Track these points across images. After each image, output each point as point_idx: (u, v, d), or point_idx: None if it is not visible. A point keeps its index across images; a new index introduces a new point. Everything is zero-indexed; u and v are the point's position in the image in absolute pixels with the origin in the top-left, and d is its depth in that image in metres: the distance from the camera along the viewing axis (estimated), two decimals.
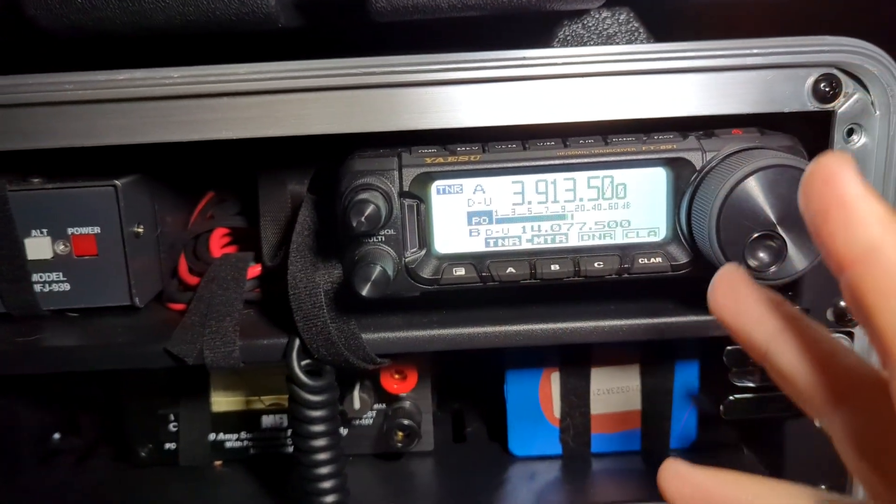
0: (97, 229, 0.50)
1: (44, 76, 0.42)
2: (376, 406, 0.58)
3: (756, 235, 0.40)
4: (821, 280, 0.46)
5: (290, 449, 0.57)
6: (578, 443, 0.57)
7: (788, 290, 0.48)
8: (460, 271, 0.44)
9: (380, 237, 0.43)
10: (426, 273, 0.44)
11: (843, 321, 0.47)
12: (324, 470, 0.47)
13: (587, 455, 0.58)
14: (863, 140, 0.45)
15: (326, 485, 0.48)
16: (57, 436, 0.61)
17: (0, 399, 0.58)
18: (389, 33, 0.47)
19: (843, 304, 0.47)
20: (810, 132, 0.45)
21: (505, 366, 0.57)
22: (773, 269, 0.41)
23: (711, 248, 0.41)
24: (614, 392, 0.57)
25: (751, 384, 0.49)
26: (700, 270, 0.45)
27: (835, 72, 0.43)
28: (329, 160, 0.46)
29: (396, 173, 0.43)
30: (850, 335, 0.48)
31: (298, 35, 0.47)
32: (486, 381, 0.60)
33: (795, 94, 0.44)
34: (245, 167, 0.55)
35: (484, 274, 0.44)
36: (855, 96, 0.44)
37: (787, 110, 0.44)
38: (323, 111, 0.43)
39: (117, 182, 0.49)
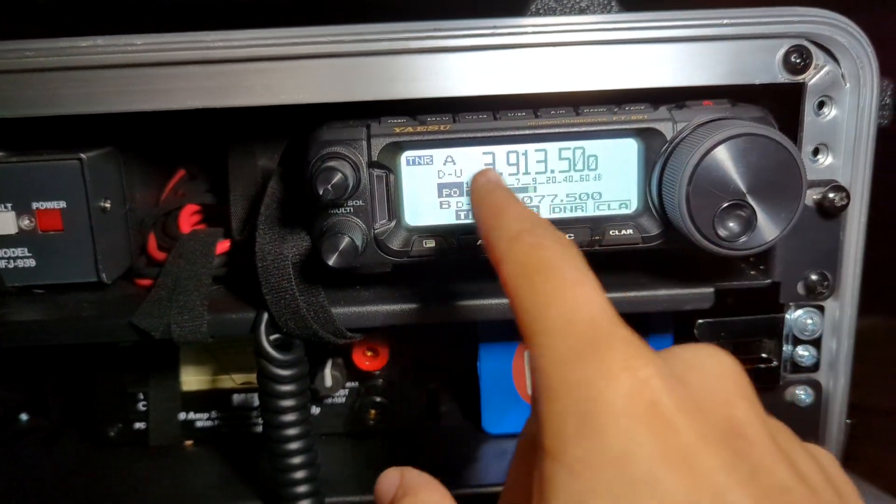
0: (63, 204, 0.49)
1: (2, 43, 0.41)
2: (348, 384, 0.57)
3: (726, 205, 0.40)
4: (791, 253, 0.46)
5: (262, 428, 0.57)
6: None
7: (759, 263, 0.48)
8: (431, 243, 0.44)
9: (348, 208, 0.43)
10: (396, 245, 0.44)
11: (813, 294, 0.47)
12: (294, 446, 0.47)
13: None
14: (833, 112, 0.45)
15: (296, 460, 0.47)
16: (24, 416, 0.60)
17: None
18: (361, 3, 0.47)
19: (813, 277, 0.47)
20: (782, 107, 0.45)
21: (478, 341, 0.56)
22: (743, 238, 0.41)
23: (682, 219, 0.41)
24: None
25: None
26: (671, 242, 0.45)
27: (805, 43, 0.43)
28: (300, 135, 0.46)
29: (365, 143, 0.42)
30: (821, 308, 0.48)
31: (269, 4, 0.46)
32: (460, 360, 0.60)
33: (766, 66, 0.43)
34: (216, 143, 0.54)
35: (455, 246, 0.44)
36: (825, 68, 0.44)
37: (757, 82, 0.44)
38: (292, 81, 0.42)
39: (83, 155, 0.48)
